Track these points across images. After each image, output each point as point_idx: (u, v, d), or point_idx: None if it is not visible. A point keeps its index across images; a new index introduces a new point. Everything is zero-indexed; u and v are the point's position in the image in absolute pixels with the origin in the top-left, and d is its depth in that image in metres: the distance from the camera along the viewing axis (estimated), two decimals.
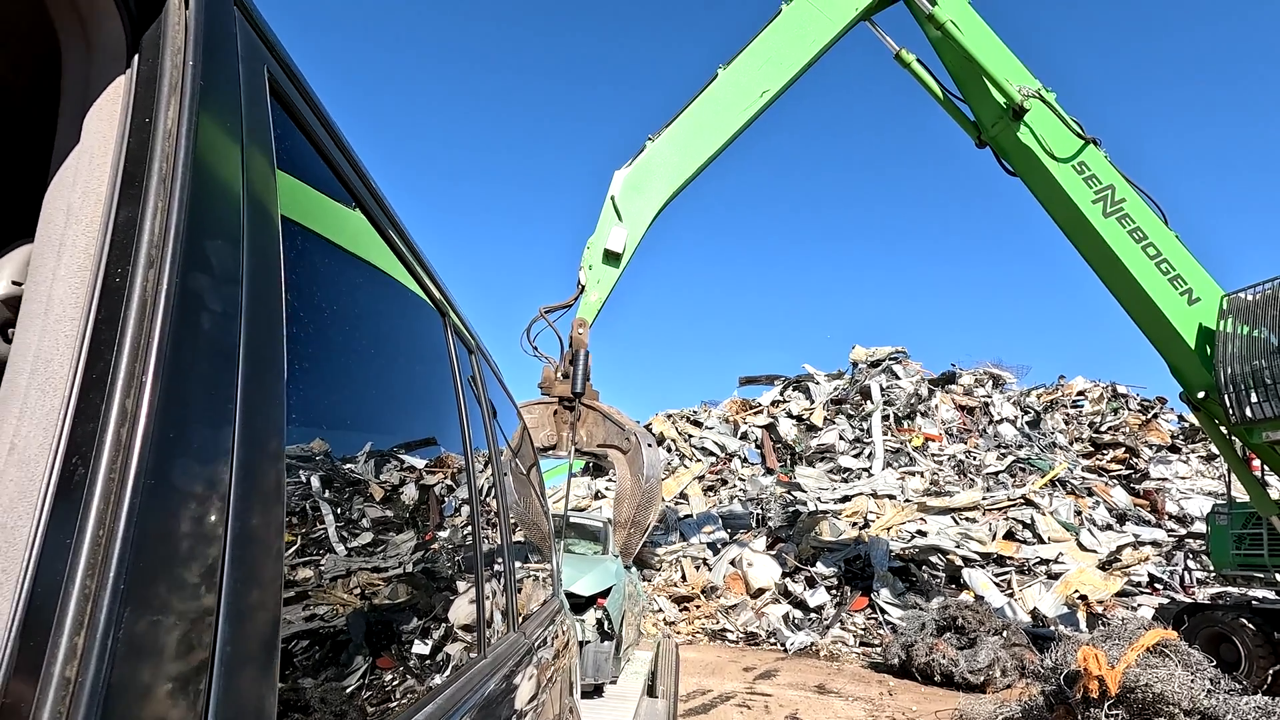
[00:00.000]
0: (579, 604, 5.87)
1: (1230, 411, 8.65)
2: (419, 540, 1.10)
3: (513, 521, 2.01)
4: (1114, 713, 5.08)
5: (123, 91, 0.55)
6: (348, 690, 0.77)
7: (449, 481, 1.31)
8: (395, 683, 0.91)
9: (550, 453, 8.49)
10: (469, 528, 1.30)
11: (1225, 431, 9.13)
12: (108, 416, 0.42)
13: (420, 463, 1.17)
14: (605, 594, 5.96)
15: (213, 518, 0.47)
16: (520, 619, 1.64)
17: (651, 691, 7.07)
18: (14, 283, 0.57)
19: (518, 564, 2.00)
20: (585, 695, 5.80)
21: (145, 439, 0.42)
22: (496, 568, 1.55)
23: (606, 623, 5.89)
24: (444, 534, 1.20)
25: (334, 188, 0.92)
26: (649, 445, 7.95)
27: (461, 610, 1.23)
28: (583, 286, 9.14)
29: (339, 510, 0.86)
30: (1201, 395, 9.10)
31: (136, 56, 0.57)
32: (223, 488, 0.48)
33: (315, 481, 0.80)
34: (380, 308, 1.09)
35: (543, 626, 2.03)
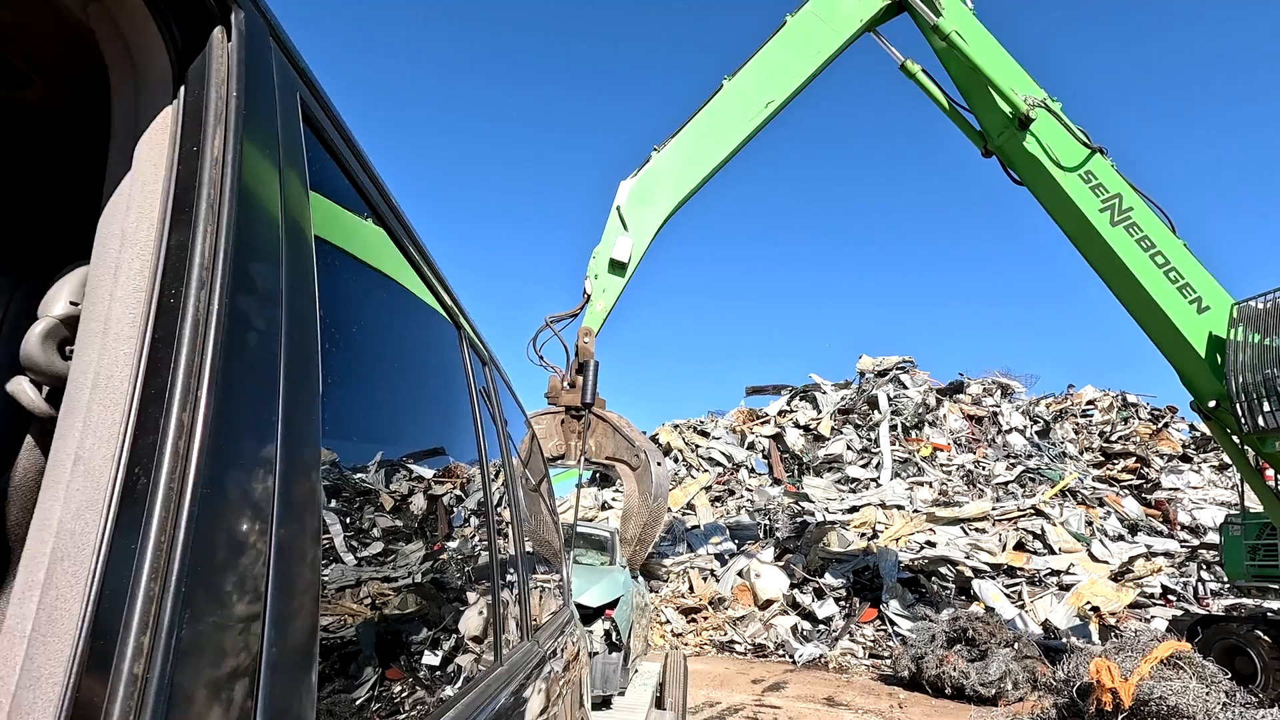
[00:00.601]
0: (587, 615, 5.87)
1: (1242, 421, 8.59)
2: (438, 550, 1.12)
3: (524, 532, 2.03)
4: None
5: (170, 121, 0.58)
6: (374, 696, 0.79)
7: (465, 492, 1.33)
8: (415, 689, 0.93)
9: (559, 462, 8.50)
10: (484, 538, 1.32)
11: (1237, 441, 9.06)
12: (166, 429, 0.45)
13: (438, 473, 1.19)
14: (613, 605, 5.96)
15: (259, 526, 0.49)
16: (533, 629, 1.65)
17: (659, 703, 7.04)
18: (71, 303, 0.60)
19: (530, 574, 2.02)
20: (594, 707, 5.79)
21: (201, 450, 0.45)
22: (510, 578, 1.57)
23: (615, 634, 5.88)
24: (461, 544, 1.23)
25: (360, 207, 0.95)
26: (658, 464, 7.95)
27: (478, 619, 1.24)
28: (588, 296, 9.19)
29: (364, 522, 0.88)
30: (1212, 404, 9.04)
31: (183, 88, 0.60)
32: (267, 497, 0.51)
33: (344, 492, 0.82)
34: (402, 322, 1.12)
35: (554, 637, 2.05)
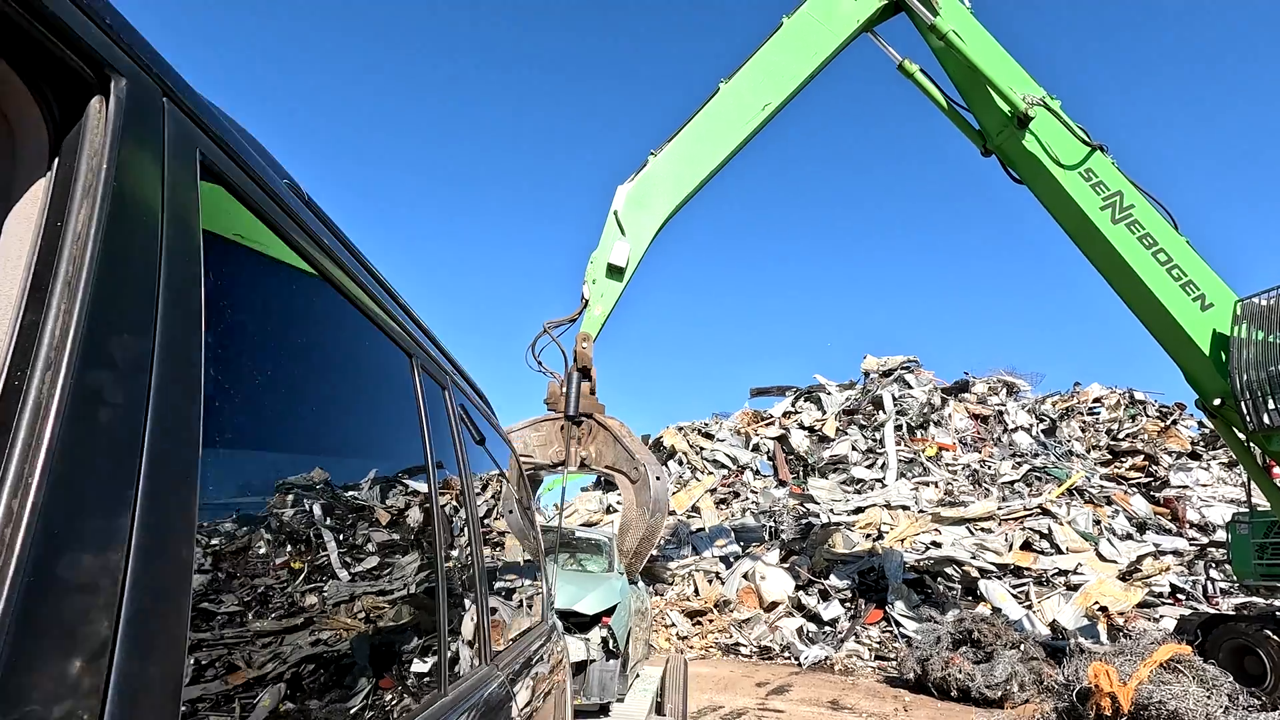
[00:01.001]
0: (584, 623, 5.88)
1: (1248, 419, 8.52)
2: (368, 588, 1.13)
3: (490, 549, 2.04)
4: None
5: (40, 196, 0.59)
6: None
7: (399, 521, 1.33)
8: None
9: (560, 468, 8.52)
10: (430, 562, 1.33)
11: (1244, 439, 8.98)
12: None
13: (369, 508, 1.20)
14: (610, 612, 5.96)
15: (98, 607, 0.50)
16: (493, 652, 1.66)
17: (659, 709, 7.04)
18: None
19: (498, 592, 2.03)
20: (591, 714, 5.79)
21: (27, 536, 0.46)
22: (466, 600, 1.58)
23: (611, 641, 5.89)
24: (396, 574, 1.23)
25: (283, 252, 0.95)
26: (657, 478, 7.94)
27: (419, 648, 1.25)
28: (586, 301, 9.22)
29: (276, 562, 0.89)
30: (1217, 402, 8.97)
31: (56, 160, 0.61)
32: (115, 576, 0.51)
33: (249, 534, 0.83)
34: (331, 361, 1.12)
35: (524, 653, 2.05)
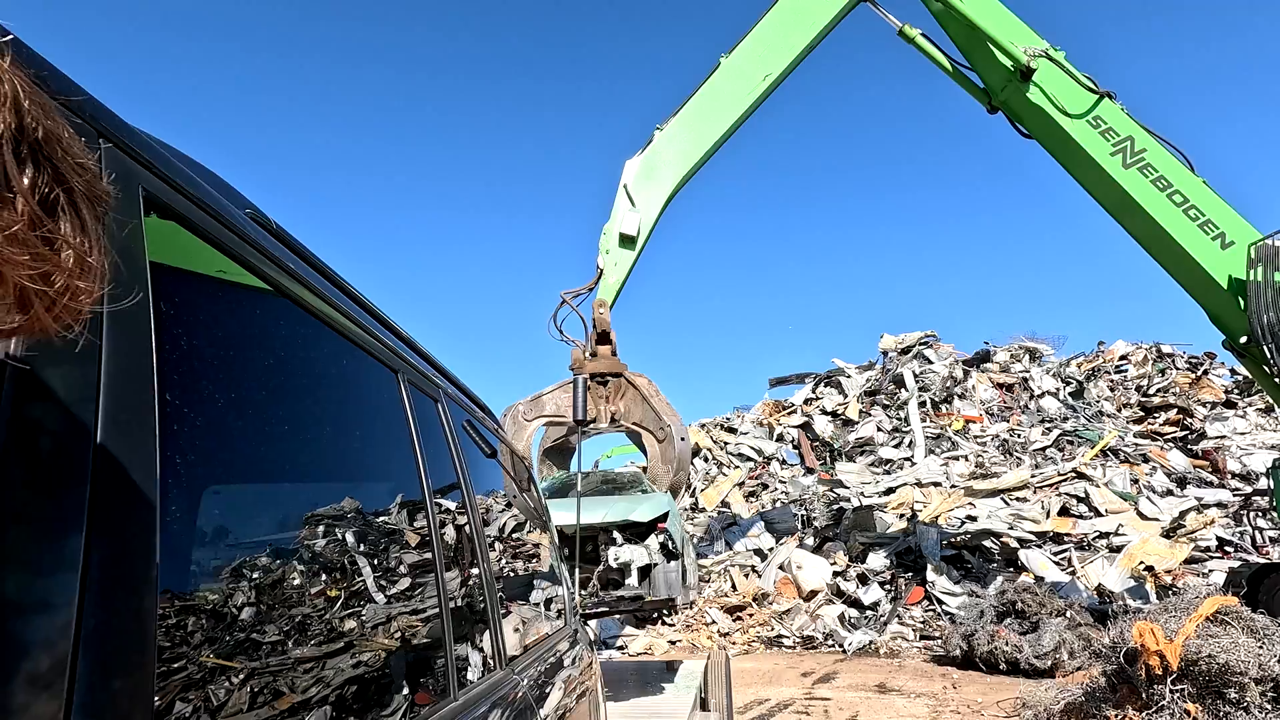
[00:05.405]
0: (641, 530, 6.00)
1: (1274, 362, 8.33)
2: (368, 606, 1.14)
3: (501, 558, 2.05)
4: (1179, 687, 4.87)
5: None
6: None
7: (395, 537, 1.35)
8: None
9: (590, 427, 8.65)
10: (431, 575, 1.34)
11: (1277, 381, 8.77)
12: None
13: (361, 527, 1.21)
14: (663, 518, 6.05)
15: (49, 668, 0.49)
16: (509, 656, 1.67)
17: (704, 705, 7.02)
18: None
19: (513, 600, 2.04)
20: (658, 611, 6.00)
21: None
22: (474, 610, 1.59)
23: (671, 544, 6.01)
24: (396, 590, 1.24)
25: (246, 280, 0.97)
26: (682, 439, 8.12)
27: (425, 659, 1.26)
28: (601, 271, 9.39)
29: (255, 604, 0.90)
30: (1244, 340, 8.78)
31: None
32: (63, 627, 0.50)
33: (227, 565, 0.84)
34: (311, 382, 1.14)
35: (545, 658, 2.06)
